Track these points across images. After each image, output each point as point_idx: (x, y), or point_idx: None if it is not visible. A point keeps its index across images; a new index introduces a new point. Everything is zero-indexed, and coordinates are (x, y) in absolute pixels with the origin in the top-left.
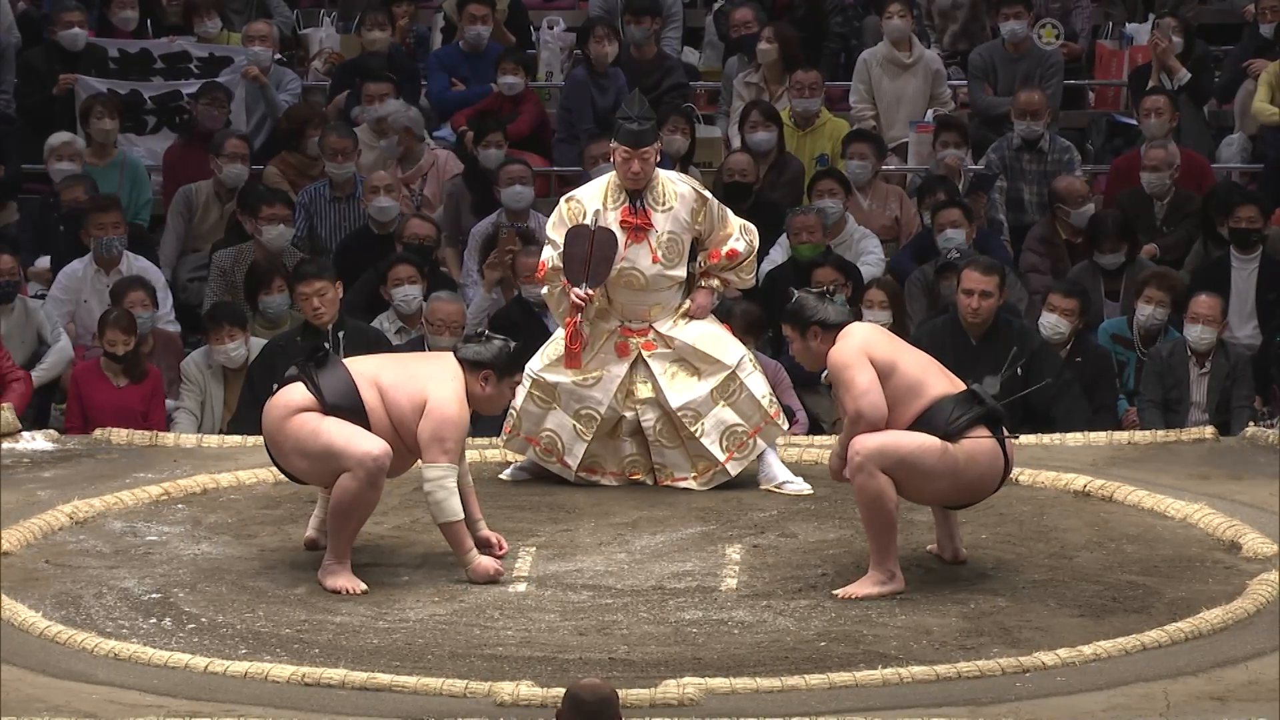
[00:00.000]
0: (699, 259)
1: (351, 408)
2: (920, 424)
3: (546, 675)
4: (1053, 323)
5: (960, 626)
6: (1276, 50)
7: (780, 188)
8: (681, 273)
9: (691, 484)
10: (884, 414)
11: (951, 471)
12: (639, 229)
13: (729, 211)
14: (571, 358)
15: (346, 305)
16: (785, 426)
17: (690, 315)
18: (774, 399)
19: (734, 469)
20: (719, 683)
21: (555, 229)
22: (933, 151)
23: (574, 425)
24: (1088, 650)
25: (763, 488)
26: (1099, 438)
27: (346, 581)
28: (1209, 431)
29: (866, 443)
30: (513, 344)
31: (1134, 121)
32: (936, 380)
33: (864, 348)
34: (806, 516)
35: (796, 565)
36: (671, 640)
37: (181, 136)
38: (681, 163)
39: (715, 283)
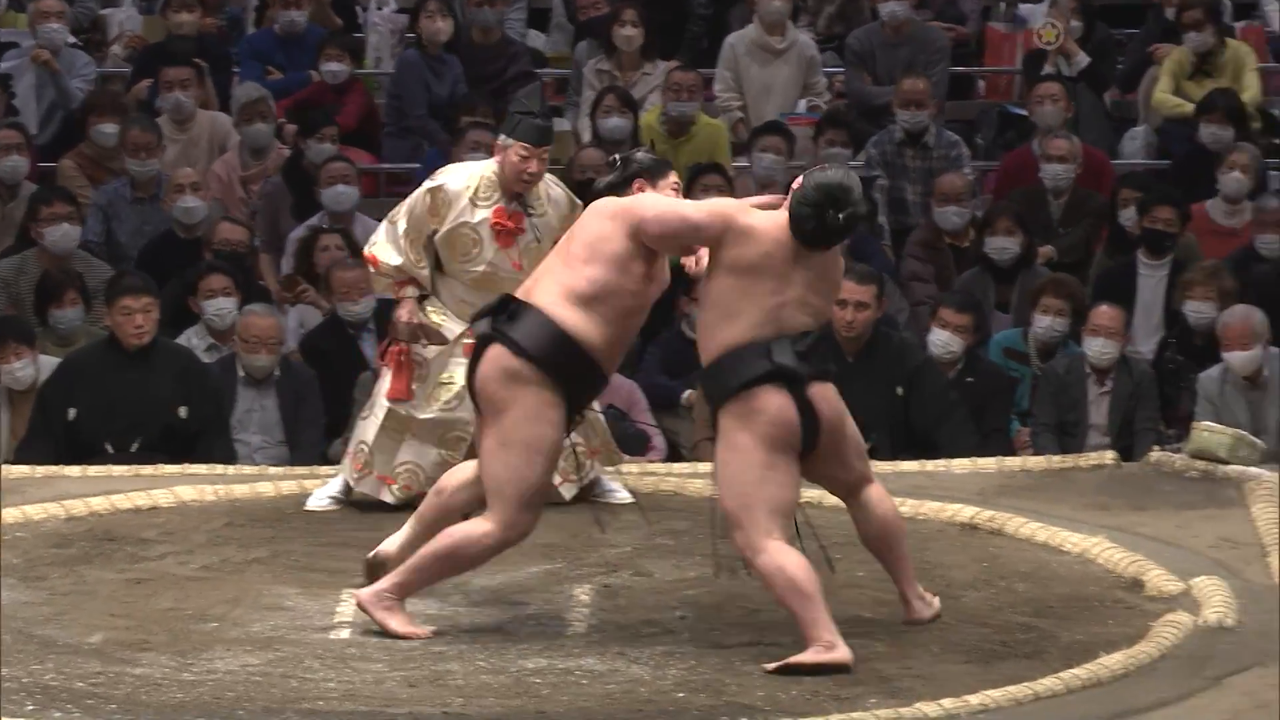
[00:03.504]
0: None
1: (562, 351)
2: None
3: None
4: (944, 340)
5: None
6: (1180, 36)
7: None
8: None
9: None
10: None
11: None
12: (510, 233)
13: None
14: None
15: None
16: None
17: None
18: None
19: (567, 493)
20: None
21: (407, 216)
22: (815, 149)
23: (439, 453)
24: (974, 700)
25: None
26: (988, 464)
27: (408, 625)
28: (1109, 456)
29: (743, 530)
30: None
31: (1027, 113)
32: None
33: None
34: (664, 553)
35: (652, 607)
36: (512, 692)
37: None
38: None
39: None
